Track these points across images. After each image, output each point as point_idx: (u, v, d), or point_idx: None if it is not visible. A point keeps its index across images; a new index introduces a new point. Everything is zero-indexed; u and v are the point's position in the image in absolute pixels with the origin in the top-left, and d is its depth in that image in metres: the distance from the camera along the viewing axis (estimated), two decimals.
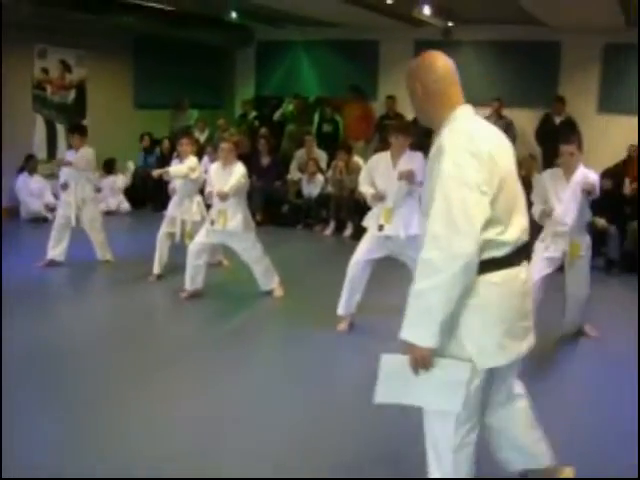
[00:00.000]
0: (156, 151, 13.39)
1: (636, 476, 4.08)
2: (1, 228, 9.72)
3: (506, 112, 12.68)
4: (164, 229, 8.16)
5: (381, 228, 6.44)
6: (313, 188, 12.03)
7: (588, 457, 4.36)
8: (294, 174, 12.43)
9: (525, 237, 3.14)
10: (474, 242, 2.82)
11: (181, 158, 8.22)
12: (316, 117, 14.11)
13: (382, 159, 6.62)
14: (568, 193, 6.13)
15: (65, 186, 8.56)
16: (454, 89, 3.16)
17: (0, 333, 5.94)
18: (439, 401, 3.08)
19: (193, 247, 7.45)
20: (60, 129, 12.66)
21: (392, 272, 7.15)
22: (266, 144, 12.58)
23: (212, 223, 7.39)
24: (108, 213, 12.00)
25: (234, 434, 4.56)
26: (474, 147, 2.91)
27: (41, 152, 12.27)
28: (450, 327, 2.98)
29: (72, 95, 12.92)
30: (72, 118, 12.67)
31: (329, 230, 11.67)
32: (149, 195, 12.78)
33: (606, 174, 9.97)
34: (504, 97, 12.70)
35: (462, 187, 2.84)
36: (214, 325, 6.90)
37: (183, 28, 13.20)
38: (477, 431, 3.23)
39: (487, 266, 2.98)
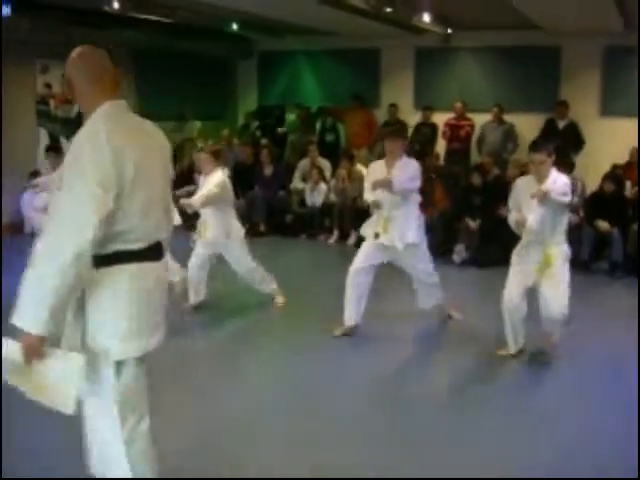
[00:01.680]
0: None
1: (636, 476, 4.10)
2: (1, 243, 9.76)
3: (507, 117, 12.69)
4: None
5: (377, 236, 6.48)
6: (317, 197, 12.03)
7: (588, 457, 4.40)
8: (297, 183, 12.43)
9: (161, 235, 3.21)
10: (84, 234, 2.84)
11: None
12: (318, 126, 14.14)
13: (378, 167, 6.63)
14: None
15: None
16: (100, 86, 3.19)
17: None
18: (53, 398, 3.07)
19: (194, 260, 7.46)
20: (64, 143, 12.72)
21: (392, 279, 7.18)
22: (268, 154, 12.58)
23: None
24: None
25: (233, 445, 4.57)
26: (102, 142, 2.97)
27: (45, 166, 12.31)
28: (77, 317, 3.08)
29: (75, 109, 12.95)
30: (76, 131, 12.71)
31: (333, 239, 11.67)
32: None
33: (608, 177, 9.96)
34: (505, 102, 12.71)
35: (80, 180, 2.90)
36: (216, 334, 6.92)
37: (184, 40, 13.25)
38: (147, 422, 3.27)
39: (119, 258, 3.05)
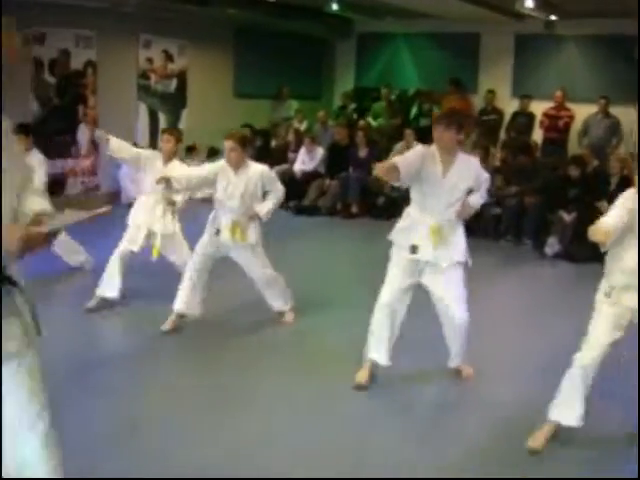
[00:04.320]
0: (255, 142, 13.49)
1: (636, 476, 4.07)
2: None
3: (611, 110, 12.37)
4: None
5: (414, 250, 5.05)
6: None
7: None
8: None
9: None
10: None
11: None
12: (414, 110, 14.07)
13: (429, 157, 4.91)
14: None
15: None
16: None
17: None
18: None
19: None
20: (162, 118, 12.98)
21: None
22: (364, 136, 12.56)
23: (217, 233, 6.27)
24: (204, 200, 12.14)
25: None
26: None
27: (143, 140, 12.58)
28: None
29: (174, 84, 13.19)
30: (174, 106, 13.07)
31: None
32: None
33: None
34: (608, 94, 12.40)
35: None
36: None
37: (284, 19, 13.33)
38: None
39: None
